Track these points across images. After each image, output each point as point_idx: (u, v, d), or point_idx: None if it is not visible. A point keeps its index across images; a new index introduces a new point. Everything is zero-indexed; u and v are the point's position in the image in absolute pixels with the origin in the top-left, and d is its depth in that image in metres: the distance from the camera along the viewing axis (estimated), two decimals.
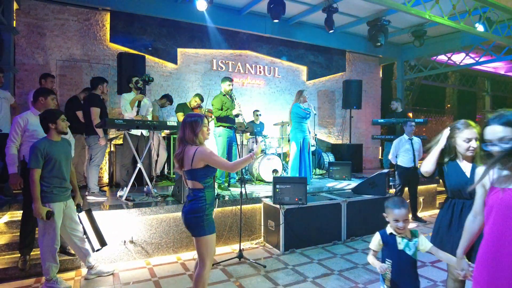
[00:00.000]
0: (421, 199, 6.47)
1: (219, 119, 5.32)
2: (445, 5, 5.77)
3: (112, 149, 5.95)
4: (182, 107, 6.07)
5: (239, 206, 4.31)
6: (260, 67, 8.03)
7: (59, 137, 3.13)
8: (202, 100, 6.15)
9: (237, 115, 5.35)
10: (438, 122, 14.82)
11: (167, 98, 6.25)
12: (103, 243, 3.49)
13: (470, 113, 13.79)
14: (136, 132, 4.85)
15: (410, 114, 10.21)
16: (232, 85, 5.34)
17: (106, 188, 5.54)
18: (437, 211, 7.03)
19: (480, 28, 6.11)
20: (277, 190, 4.35)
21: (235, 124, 5.43)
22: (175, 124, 4.63)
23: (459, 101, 14.76)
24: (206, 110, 6.10)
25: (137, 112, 4.73)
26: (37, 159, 2.90)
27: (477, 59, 9.24)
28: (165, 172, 6.40)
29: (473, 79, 13.17)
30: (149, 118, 5.01)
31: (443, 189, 7.80)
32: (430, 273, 3.69)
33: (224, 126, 5.34)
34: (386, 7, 5.47)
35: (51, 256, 3.03)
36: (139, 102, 4.79)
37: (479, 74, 12.55)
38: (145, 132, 4.96)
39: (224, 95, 5.36)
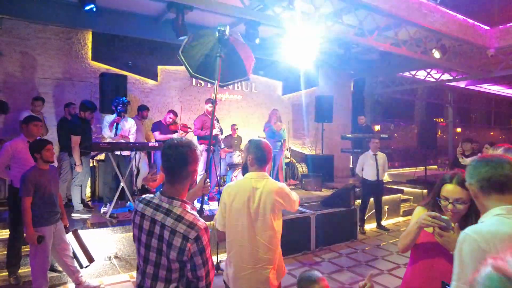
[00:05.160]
0: (386, 208, 7.04)
1: (199, 137, 5.70)
2: (403, 35, 6.38)
3: (94, 164, 6.17)
4: (157, 126, 6.24)
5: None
6: (238, 82, 8.41)
7: (46, 165, 3.38)
8: (176, 115, 6.40)
9: (216, 135, 5.76)
10: (407, 130, 15.71)
11: (144, 109, 6.41)
12: (90, 259, 3.76)
13: (436, 122, 14.77)
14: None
15: (377, 127, 10.86)
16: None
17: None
18: (401, 218, 7.67)
19: (436, 54, 6.77)
20: None
21: (216, 141, 5.84)
22: (156, 144, 4.95)
23: (427, 112, 15.72)
24: (181, 125, 6.36)
25: (115, 134, 4.95)
26: (27, 188, 3.15)
27: (439, 74, 10.04)
28: (146, 186, 6.66)
29: (438, 92, 14.10)
30: (132, 137, 5.25)
31: (407, 197, 8.36)
32: (386, 281, 4.18)
33: (205, 144, 5.72)
34: (350, 40, 6.00)
35: (42, 275, 3.29)
36: (117, 124, 5.05)
37: (444, 87, 13.47)
38: (125, 152, 5.20)
39: (205, 115, 5.75)
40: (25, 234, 3.23)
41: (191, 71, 2.68)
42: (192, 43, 2.63)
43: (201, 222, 1.42)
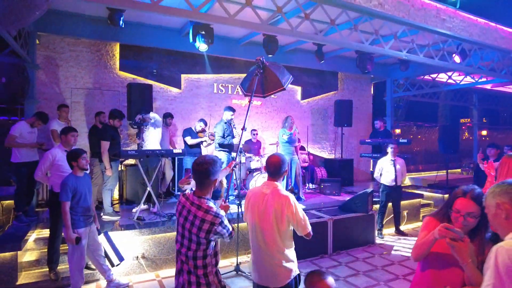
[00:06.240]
0: (405, 212, 7.04)
1: (221, 145, 5.95)
2: (420, 41, 6.38)
3: (123, 168, 6.56)
4: (188, 132, 6.61)
5: (236, 224, 4.89)
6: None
7: (82, 172, 3.71)
8: (205, 124, 6.75)
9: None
10: (430, 132, 15.41)
11: (168, 116, 6.72)
12: (121, 258, 4.07)
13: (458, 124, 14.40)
14: None
15: (398, 130, 10.75)
16: (234, 115, 6.01)
17: (117, 206, 6.11)
18: (420, 223, 7.61)
19: (456, 59, 6.72)
20: None
21: (233, 148, 6.07)
22: (181, 151, 5.25)
23: (451, 113, 15.35)
24: (209, 134, 6.68)
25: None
26: (67, 193, 3.49)
27: (461, 77, 9.87)
28: (170, 189, 7.00)
29: (462, 93, 13.76)
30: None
31: (427, 202, 8.29)
32: (401, 286, 4.27)
33: (225, 151, 5.98)
34: (366, 51, 6.08)
35: (79, 272, 3.62)
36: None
37: (468, 88, 13.14)
38: None
39: (225, 122, 6.01)
40: (63, 234, 3.57)
41: (244, 92, 3.94)
42: (245, 76, 3.99)
43: (222, 212, 2.11)
